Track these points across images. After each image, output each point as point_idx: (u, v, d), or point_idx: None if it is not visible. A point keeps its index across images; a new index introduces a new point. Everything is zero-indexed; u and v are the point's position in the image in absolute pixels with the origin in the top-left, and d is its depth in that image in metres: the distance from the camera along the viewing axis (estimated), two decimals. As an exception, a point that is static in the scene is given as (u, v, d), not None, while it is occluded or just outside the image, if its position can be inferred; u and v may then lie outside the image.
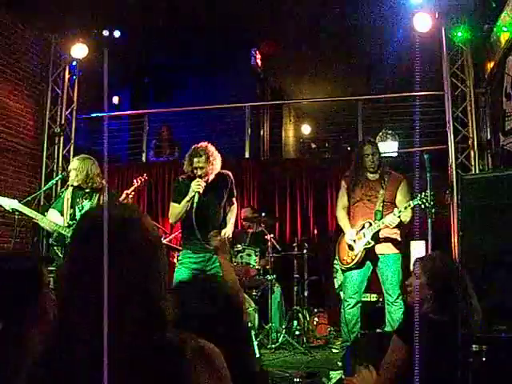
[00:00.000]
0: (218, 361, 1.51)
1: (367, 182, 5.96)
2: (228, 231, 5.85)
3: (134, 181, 7.21)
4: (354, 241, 5.83)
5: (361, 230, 5.81)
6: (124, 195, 6.98)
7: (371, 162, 5.93)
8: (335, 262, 6.38)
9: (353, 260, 5.82)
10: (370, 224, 5.77)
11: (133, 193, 6.98)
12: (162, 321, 1.46)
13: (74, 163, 6.02)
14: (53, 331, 1.50)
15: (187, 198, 5.67)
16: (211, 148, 5.85)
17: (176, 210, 5.77)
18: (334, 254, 6.35)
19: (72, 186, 6.06)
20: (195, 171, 5.77)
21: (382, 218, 5.73)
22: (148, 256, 1.48)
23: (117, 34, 9.05)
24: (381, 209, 5.81)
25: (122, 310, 1.40)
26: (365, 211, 5.88)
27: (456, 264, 3.30)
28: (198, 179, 5.68)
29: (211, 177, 5.88)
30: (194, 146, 5.90)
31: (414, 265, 3.19)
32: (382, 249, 5.83)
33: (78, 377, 1.39)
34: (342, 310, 5.98)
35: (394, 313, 5.66)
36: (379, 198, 5.85)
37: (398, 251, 5.88)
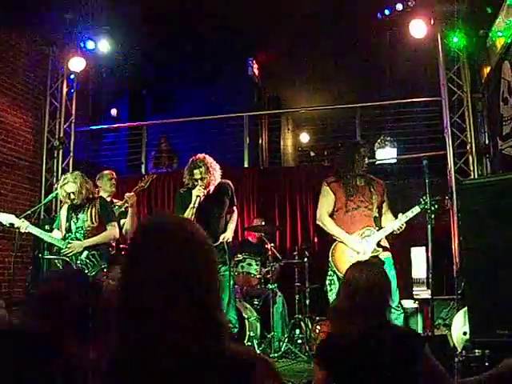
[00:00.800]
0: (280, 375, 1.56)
1: (357, 187, 5.81)
2: (227, 235, 5.93)
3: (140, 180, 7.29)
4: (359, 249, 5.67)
5: (362, 237, 5.67)
6: (126, 198, 7.02)
7: (365, 164, 5.84)
8: (330, 273, 6.02)
9: None
10: (372, 232, 5.67)
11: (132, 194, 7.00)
12: (221, 332, 1.48)
13: (70, 186, 5.99)
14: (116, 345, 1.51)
15: (191, 205, 5.74)
16: (209, 159, 5.96)
17: None
18: (329, 265, 5.92)
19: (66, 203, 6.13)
20: (196, 183, 5.85)
21: (380, 224, 5.69)
22: (203, 267, 1.52)
23: (113, 46, 9.08)
24: (377, 215, 5.76)
25: (182, 321, 1.43)
26: (363, 218, 5.73)
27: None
28: (199, 186, 5.77)
29: (212, 187, 5.97)
30: (192, 159, 6.00)
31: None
32: (381, 254, 5.71)
33: None
34: None
35: (396, 319, 5.56)
36: (374, 203, 5.76)
37: (390, 254, 5.78)
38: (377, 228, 5.70)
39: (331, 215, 5.87)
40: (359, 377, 2.65)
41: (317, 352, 3.01)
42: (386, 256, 5.70)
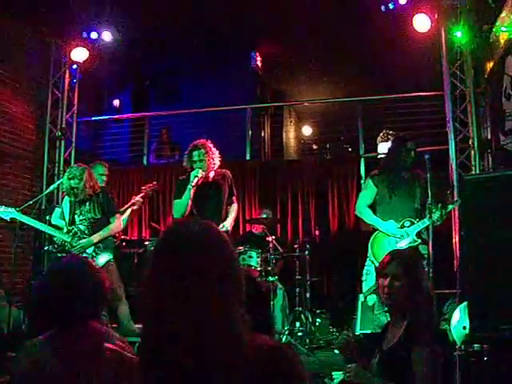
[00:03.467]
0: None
1: (402, 180, 5.82)
2: (226, 224, 5.94)
3: (143, 188, 7.43)
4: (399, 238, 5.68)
5: (402, 228, 5.69)
6: (131, 202, 7.16)
7: (411, 158, 5.80)
8: (368, 263, 6.08)
9: None
10: (412, 222, 5.67)
11: (140, 199, 7.21)
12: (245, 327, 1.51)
13: (75, 182, 6.01)
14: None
15: (189, 186, 5.76)
16: (209, 144, 6.00)
17: (179, 204, 5.85)
18: (368, 255, 5.97)
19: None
20: (195, 165, 5.87)
21: (421, 215, 5.67)
22: (227, 266, 1.55)
23: (117, 37, 9.07)
24: (419, 206, 5.76)
25: (206, 319, 1.45)
26: (404, 210, 5.75)
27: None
28: (197, 168, 5.80)
29: (211, 174, 6.00)
30: (192, 143, 6.03)
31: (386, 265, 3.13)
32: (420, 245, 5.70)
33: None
34: (377, 313, 5.71)
35: None
36: (416, 196, 5.77)
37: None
38: (417, 219, 5.67)
39: (373, 206, 5.92)
40: None
41: None
42: (424, 248, 5.69)
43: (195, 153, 5.95)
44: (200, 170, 5.84)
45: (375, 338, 3.29)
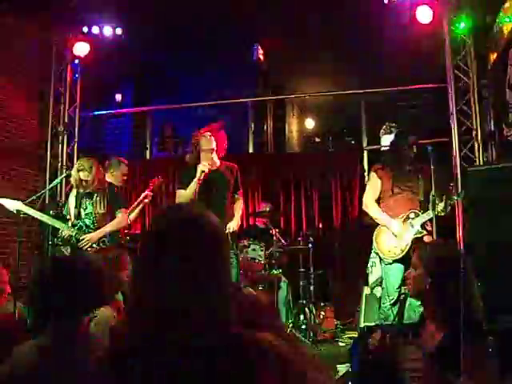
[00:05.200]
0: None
1: (405, 173, 5.83)
2: (233, 225, 5.89)
3: (150, 183, 7.44)
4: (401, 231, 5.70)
5: (406, 220, 5.70)
6: (142, 197, 7.17)
7: (413, 152, 5.81)
8: (373, 255, 6.12)
9: (402, 251, 5.62)
10: (417, 214, 5.67)
11: (150, 193, 7.24)
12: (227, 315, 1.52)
13: (84, 174, 6.02)
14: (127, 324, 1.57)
15: (195, 179, 5.72)
16: (215, 126, 5.98)
17: (183, 196, 5.84)
18: (372, 247, 6.01)
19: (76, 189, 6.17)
20: (201, 153, 5.86)
21: (426, 208, 5.67)
22: (214, 252, 1.56)
23: (118, 31, 9.06)
24: (423, 199, 5.74)
25: (188, 304, 1.47)
26: (408, 202, 5.76)
27: (456, 251, 3.24)
28: (204, 162, 5.77)
29: (217, 162, 5.99)
30: (201, 129, 6.03)
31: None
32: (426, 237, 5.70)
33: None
34: (383, 306, 5.74)
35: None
36: (420, 188, 5.77)
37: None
38: (422, 211, 5.67)
39: (378, 200, 5.93)
40: None
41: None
42: (429, 239, 5.68)
43: (204, 141, 5.94)
44: (207, 165, 5.79)
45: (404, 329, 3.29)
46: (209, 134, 5.99)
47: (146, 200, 7.37)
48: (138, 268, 1.57)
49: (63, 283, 2.41)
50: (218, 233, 1.61)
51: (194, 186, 5.76)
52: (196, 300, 1.47)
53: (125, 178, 7.17)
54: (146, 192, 7.36)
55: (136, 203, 7.24)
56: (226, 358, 1.42)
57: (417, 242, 5.60)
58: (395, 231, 5.70)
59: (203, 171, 5.75)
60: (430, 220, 5.51)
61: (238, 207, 6.18)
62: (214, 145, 5.95)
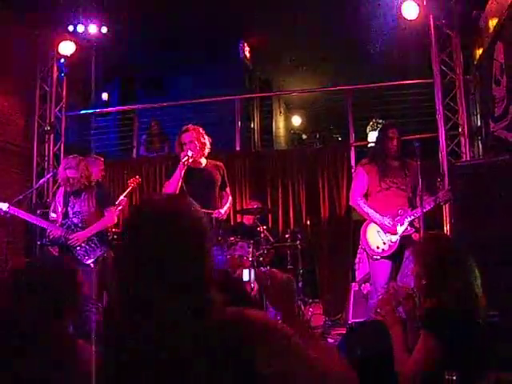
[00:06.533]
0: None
1: (391, 168, 5.79)
2: (222, 210, 5.93)
3: (129, 183, 7.44)
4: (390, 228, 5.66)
5: (395, 217, 5.65)
6: (120, 200, 7.17)
7: (395, 146, 5.78)
8: (360, 251, 6.05)
9: (391, 248, 5.61)
10: (405, 211, 5.63)
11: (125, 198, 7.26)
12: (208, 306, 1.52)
13: (71, 172, 5.99)
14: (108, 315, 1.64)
15: (179, 165, 5.70)
16: (200, 129, 6.00)
17: (168, 183, 5.82)
18: (359, 243, 6.00)
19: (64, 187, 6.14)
20: (185, 146, 5.85)
21: (414, 205, 5.66)
22: (195, 243, 1.57)
23: (104, 30, 9.02)
24: (411, 195, 5.71)
25: (171, 293, 1.48)
26: (396, 199, 5.71)
27: (451, 244, 3.24)
28: (187, 150, 5.78)
29: (203, 161, 5.98)
30: (182, 128, 6.05)
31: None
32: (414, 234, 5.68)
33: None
34: (371, 302, 5.67)
35: None
36: (407, 184, 5.71)
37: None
38: (410, 208, 5.65)
39: (365, 196, 5.88)
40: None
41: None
42: (417, 237, 5.68)
43: (185, 135, 5.93)
44: (190, 151, 5.78)
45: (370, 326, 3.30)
46: (191, 126, 6.00)
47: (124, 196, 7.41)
48: (116, 256, 1.60)
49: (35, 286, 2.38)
50: (195, 224, 1.60)
51: (178, 172, 5.71)
52: (167, 289, 1.48)
53: (103, 172, 7.16)
54: (121, 197, 7.40)
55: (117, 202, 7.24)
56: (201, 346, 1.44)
57: (405, 238, 5.60)
58: (385, 229, 5.67)
59: (187, 156, 5.73)
60: (418, 217, 5.54)
61: (227, 202, 6.22)
62: (194, 136, 5.94)
